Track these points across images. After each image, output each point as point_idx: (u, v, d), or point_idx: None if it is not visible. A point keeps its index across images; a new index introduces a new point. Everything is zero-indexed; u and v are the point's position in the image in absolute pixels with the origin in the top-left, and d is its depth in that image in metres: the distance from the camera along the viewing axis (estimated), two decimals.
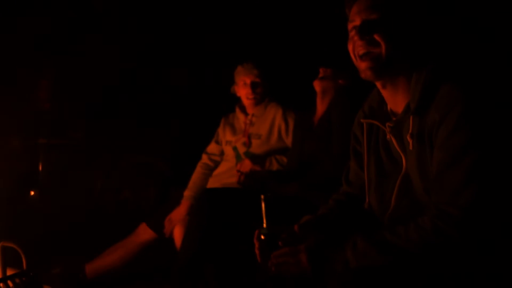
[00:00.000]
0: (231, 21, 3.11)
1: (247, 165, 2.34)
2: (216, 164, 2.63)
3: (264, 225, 1.33)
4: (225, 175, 2.51)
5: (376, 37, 1.21)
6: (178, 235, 2.30)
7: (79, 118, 3.19)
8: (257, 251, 1.34)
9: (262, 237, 1.32)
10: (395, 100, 1.30)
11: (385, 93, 1.32)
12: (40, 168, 3.08)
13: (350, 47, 1.28)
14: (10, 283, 1.57)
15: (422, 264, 1.12)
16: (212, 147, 2.67)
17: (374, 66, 1.23)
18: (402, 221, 1.17)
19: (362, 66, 1.25)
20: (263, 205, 1.32)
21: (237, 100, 2.65)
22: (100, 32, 3.13)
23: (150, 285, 2.36)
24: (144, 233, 2.43)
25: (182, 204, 2.46)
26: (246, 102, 2.56)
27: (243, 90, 2.54)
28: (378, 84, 1.31)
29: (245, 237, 1.88)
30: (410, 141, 1.23)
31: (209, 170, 2.61)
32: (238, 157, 2.49)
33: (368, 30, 1.22)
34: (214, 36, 3.18)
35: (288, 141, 2.46)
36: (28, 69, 2.99)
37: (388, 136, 1.32)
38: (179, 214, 2.43)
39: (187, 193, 2.50)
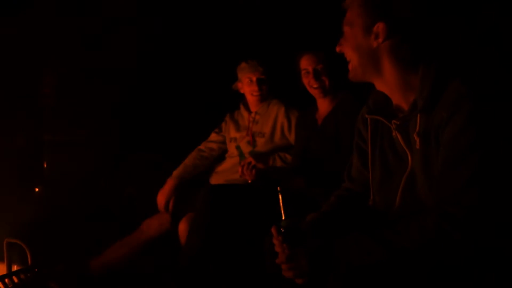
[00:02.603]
0: (234, 18, 3.11)
1: (251, 161, 2.34)
2: (211, 152, 2.65)
3: (283, 217, 1.30)
4: (229, 171, 2.52)
5: (345, 49, 1.33)
6: (182, 231, 2.30)
7: (84, 114, 3.20)
8: (278, 249, 1.28)
9: (282, 230, 1.29)
10: (396, 96, 1.31)
11: (382, 90, 1.33)
12: (45, 164, 3.09)
13: None
14: (15, 279, 1.58)
15: (424, 263, 1.11)
16: (212, 136, 2.70)
17: (350, 71, 1.34)
18: (407, 219, 1.16)
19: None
20: (280, 197, 1.30)
21: (240, 97, 2.65)
22: (103, 31, 3.13)
23: (155, 282, 2.36)
24: (148, 229, 2.43)
25: (167, 183, 2.49)
26: (251, 98, 2.55)
27: (248, 87, 2.52)
28: (375, 84, 1.34)
29: (250, 234, 1.89)
30: (417, 140, 1.22)
31: (201, 156, 2.63)
32: (241, 156, 2.49)
33: (341, 43, 1.34)
34: (216, 32, 3.17)
35: (291, 138, 2.46)
36: (32, 65, 2.99)
37: (393, 133, 1.31)
38: (164, 193, 2.45)
39: (175, 173, 2.54)
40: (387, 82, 1.29)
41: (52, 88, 3.17)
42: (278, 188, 1.30)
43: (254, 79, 2.49)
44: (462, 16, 2.08)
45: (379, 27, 1.25)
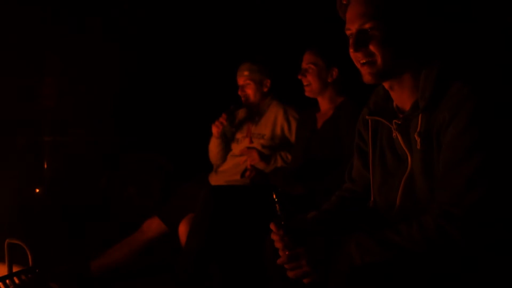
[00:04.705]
0: (234, 19, 3.11)
1: (255, 157, 2.35)
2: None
3: (282, 222, 1.29)
4: (230, 172, 2.52)
5: (372, 47, 1.20)
6: (182, 232, 2.30)
7: (83, 115, 3.20)
8: (278, 244, 1.28)
9: (281, 232, 1.29)
10: (402, 97, 1.29)
11: (391, 91, 1.31)
12: (45, 165, 3.10)
13: (350, 53, 1.26)
14: (16, 280, 1.58)
15: (425, 263, 1.12)
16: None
17: (374, 72, 1.22)
18: (408, 220, 1.16)
19: (362, 71, 1.25)
20: (277, 206, 1.30)
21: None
22: (103, 31, 3.13)
23: (155, 282, 2.37)
24: (148, 230, 2.43)
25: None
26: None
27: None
28: (384, 84, 1.31)
29: (250, 235, 1.89)
30: (418, 140, 1.21)
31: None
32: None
33: (363, 42, 1.21)
34: (217, 32, 3.18)
35: (292, 139, 2.47)
36: (32, 66, 3.00)
37: (394, 134, 1.30)
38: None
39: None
40: (402, 82, 1.26)
41: (52, 89, 3.17)
42: (274, 195, 1.30)
43: (240, 83, 2.56)
44: (465, 17, 2.09)
45: (422, 20, 1.20)
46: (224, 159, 2.65)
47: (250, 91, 2.55)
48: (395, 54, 1.20)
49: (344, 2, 1.27)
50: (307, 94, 2.22)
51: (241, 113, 2.70)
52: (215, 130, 2.54)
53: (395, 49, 1.20)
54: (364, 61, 1.22)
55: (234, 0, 3.11)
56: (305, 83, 2.19)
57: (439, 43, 1.29)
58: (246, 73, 2.54)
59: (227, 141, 2.65)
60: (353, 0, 1.23)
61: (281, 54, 2.73)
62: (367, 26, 1.20)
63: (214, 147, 2.64)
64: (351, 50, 1.23)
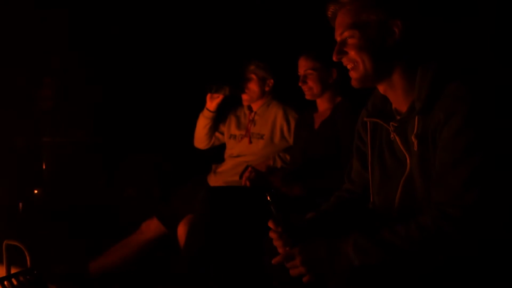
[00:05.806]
0: (234, 18, 3.11)
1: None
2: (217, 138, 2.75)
3: (279, 220, 1.31)
4: (229, 173, 2.52)
5: (352, 54, 1.27)
6: (181, 233, 2.30)
7: (82, 116, 3.20)
8: (276, 242, 1.31)
9: (280, 229, 1.30)
10: (398, 99, 1.30)
11: (386, 94, 1.32)
12: (44, 166, 3.09)
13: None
14: (14, 281, 1.58)
15: (423, 263, 1.12)
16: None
17: (358, 77, 1.28)
18: (406, 220, 1.16)
19: (351, 76, 1.31)
20: (271, 201, 1.31)
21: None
22: (101, 31, 3.13)
23: (154, 283, 2.37)
24: (147, 231, 2.44)
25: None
26: None
27: None
28: (378, 88, 1.33)
29: (249, 236, 1.89)
30: (415, 142, 1.22)
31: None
32: None
33: (342, 50, 1.28)
34: (217, 32, 3.18)
35: (291, 140, 2.47)
36: (31, 67, 2.99)
37: (392, 135, 1.31)
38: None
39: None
40: (393, 85, 1.28)
41: (51, 90, 3.17)
42: (268, 196, 1.31)
43: (247, 77, 2.57)
44: (460, 17, 2.09)
45: (396, 24, 1.23)
46: (208, 143, 2.70)
47: (251, 86, 2.55)
48: (376, 60, 1.25)
49: (329, 15, 1.34)
50: (308, 97, 2.22)
51: (240, 110, 2.70)
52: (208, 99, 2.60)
53: (375, 54, 1.25)
54: (349, 66, 1.29)
55: (237, 4, 3.11)
56: (306, 89, 2.19)
57: (431, 44, 1.30)
58: (251, 67, 2.57)
59: (216, 123, 2.67)
60: (337, 12, 1.31)
61: (283, 56, 2.73)
62: (345, 34, 1.27)
63: (201, 125, 2.67)
64: (333, 58, 1.30)
